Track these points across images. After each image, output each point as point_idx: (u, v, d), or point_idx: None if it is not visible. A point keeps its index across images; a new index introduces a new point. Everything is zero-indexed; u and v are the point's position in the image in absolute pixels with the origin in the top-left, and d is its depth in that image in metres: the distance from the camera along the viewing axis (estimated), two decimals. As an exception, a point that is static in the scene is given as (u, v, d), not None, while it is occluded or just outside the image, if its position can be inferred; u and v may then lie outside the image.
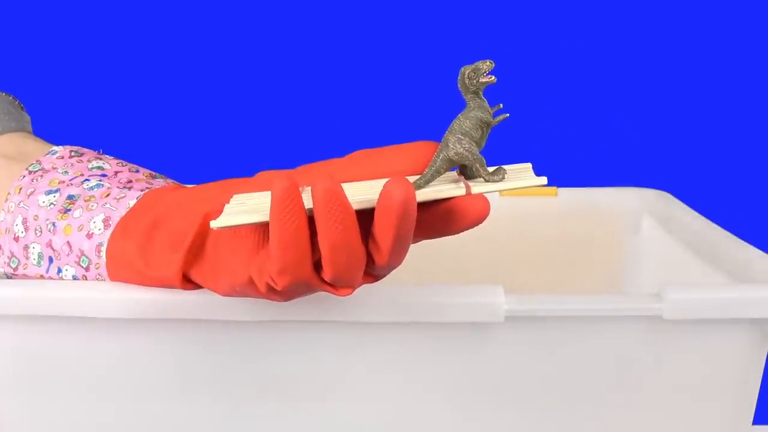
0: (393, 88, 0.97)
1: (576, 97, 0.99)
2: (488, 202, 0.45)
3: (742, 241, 0.64)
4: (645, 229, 0.81)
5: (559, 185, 0.83)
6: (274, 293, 0.46)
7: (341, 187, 0.42)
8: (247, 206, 0.48)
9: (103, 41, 0.98)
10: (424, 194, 0.44)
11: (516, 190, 0.51)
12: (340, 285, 0.45)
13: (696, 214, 0.73)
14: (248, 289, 0.47)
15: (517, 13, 0.98)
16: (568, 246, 0.82)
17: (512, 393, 0.55)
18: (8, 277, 0.58)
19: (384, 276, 0.47)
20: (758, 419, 0.58)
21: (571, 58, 0.98)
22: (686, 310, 0.53)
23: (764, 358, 0.55)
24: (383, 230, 0.42)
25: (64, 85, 0.98)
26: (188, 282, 0.52)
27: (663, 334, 0.54)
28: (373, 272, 0.45)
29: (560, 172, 0.89)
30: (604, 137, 0.99)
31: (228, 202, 0.50)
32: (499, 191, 0.47)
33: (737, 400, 0.56)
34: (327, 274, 0.44)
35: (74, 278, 0.56)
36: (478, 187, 0.45)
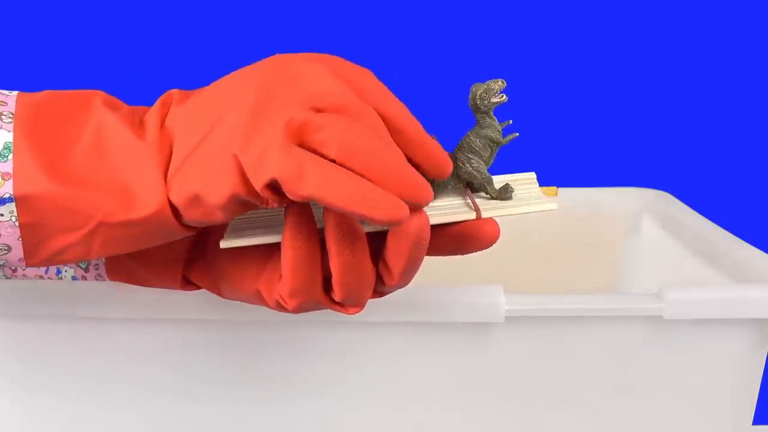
0: (402, 94, 0.97)
1: (576, 98, 0.99)
2: (498, 226, 0.45)
3: (742, 241, 0.64)
4: (645, 229, 0.81)
5: (560, 185, 0.83)
6: (283, 309, 0.46)
7: None
8: (252, 218, 0.48)
9: (104, 41, 0.98)
10: (436, 218, 0.44)
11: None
12: (349, 304, 0.45)
13: (696, 214, 0.73)
14: (255, 300, 0.47)
15: (519, 14, 0.98)
16: (568, 246, 0.82)
17: (513, 393, 0.55)
18: (8, 278, 0.58)
19: (390, 293, 0.47)
20: (758, 419, 0.58)
21: (571, 59, 0.98)
22: (686, 310, 0.53)
23: (764, 358, 0.55)
24: (395, 256, 0.42)
25: (65, 81, 0.98)
26: (188, 283, 0.52)
27: (663, 334, 0.54)
28: (380, 289, 0.46)
29: (560, 173, 0.89)
30: (605, 138, 0.99)
31: None
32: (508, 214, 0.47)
33: (737, 400, 0.56)
34: (337, 295, 0.44)
35: (74, 279, 0.56)
36: (488, 211, 0.45)
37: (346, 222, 0.42)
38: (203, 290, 0.52)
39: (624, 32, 0.98)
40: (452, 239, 0.45)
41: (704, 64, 0.98)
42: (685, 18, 0.98)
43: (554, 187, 0.83)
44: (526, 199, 0.47)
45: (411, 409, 0.55)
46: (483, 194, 0.47)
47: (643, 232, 0.81)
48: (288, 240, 0.43)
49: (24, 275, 0.57)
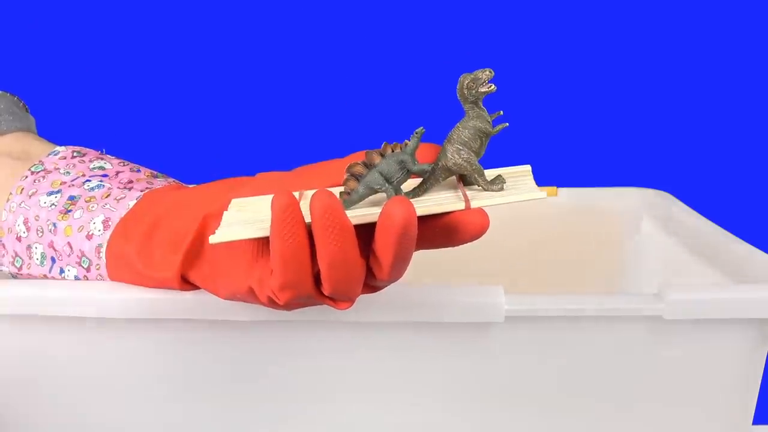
0: (393, 88, 0.97)
1: (576, 97, 0.99)
2: (487, 216, 0.44)
3: (742, 241, 0.64)
4: (645, 229, 0.81)
5: (559, 185, 0.83)
6: (275, 305, 0.46)
7: (340, 203, 0.42)
8: (245, 214, 0.48)
9: (104, 41, 0.98)
10: (424, 209, 0.44)
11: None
12: (340, 299, 0.45)
13: (696, 214, 0.73)
14: (249, 297, 0.47)
15: (518, 13, 0.98)
16: (568, 246, 0.82)
17: (512, 393, 0.55)
18: (13, 276, 0.58)
19: (383, 288, 0.47)
20: (758, 419, 0.58)
21: (570, 58, 0.98)
22: (686, 311, 0.53)
23: (764, 358, 0.55)
24: (384, 248, 0.42)
25: (66, 84, 0.98)
26: (186, 283, 0.52)
27: (663, 334, 0.54)
28: (372, 284, 0.45)
29: (560, 172, 0.89)
30: (604, 137, 0.99)
31: (227, 205, 0.50)
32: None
33: (737, 400, 0.56)
34: (326, 289, 0.44)
35: (76, 278, 0.56)
36: (477, 201, 0.45)
37: (333, 214, 0.41)
38: (202, 290, 0.52)
39: (624, 32, 0.98)
40: (441, 230, 0.45)
41: (704, 64, 0.98)
42: (685, 18, 0.98)
43: (554, 187, 0.83)
44: (518, 190, 0.47)
45: (410, 410, 0.55)
46: (476, 187, 0.47)
47: (643, 232, 0.81)
48: (276, 233, 0.42)
49: (29, 275, 0.57)
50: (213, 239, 0.45)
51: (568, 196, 0.83)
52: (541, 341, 0.54)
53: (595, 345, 0.54)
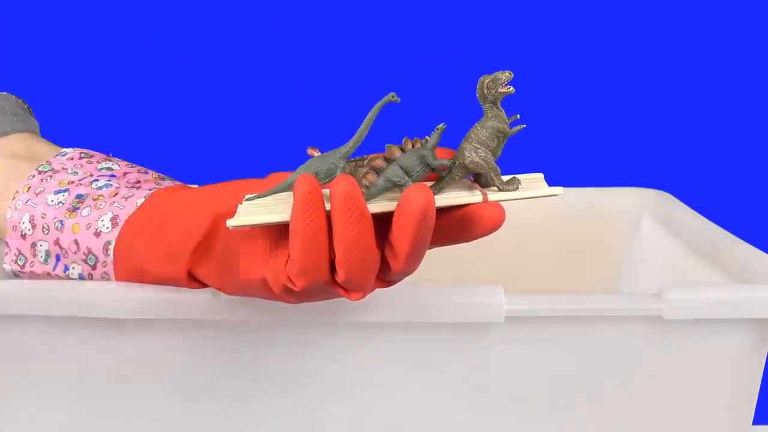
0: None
1: (576, 97, 0.99)
2: (503, 210, 0.45)
3: (742, 241, 0.64)
4: (645, 229, 0.81)
5: (560, 185, 0.83)
6: (289, 294, 0.46)
7: (359, 189, 0.42)
8: (260, 206, 0.48)
9: (107, 44, 0.98)
10: (442, 200, 0.45)
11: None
12: (352, 288, 0.45)
13: (696, 214, 0.73)
14: (260, 289, 0.47)
15: (518, 14, 0.98)
16: (568, 246, 0.83)
17: (512, 393, 0.55)
18: (15, 274, 0.58)
19: (397, 282, 0.47)
20: (758, 419, 0.58)
21: (571, 59, 0.98)
22: (686, 310, 0.53)
23: (764, 358, 0.55)
24: (401, 236, 0.42)
25: (69, 87, 0.98)
26: (194, 281, 0.52)
27: (663, 334, 0.54)
28: (387, 277, 0.46)
29: (560, 172, 0.89)
30: (605, 138, 0.99)
31: (239, 203, 0.50)
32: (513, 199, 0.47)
33: (737, 400, 0.56)
34: (340, 276, 0.44)
35: (80, 277, 0.56)
36: (493, 195, 0.46)
37: (353, 200, 0.42)
38: (204, 290, 0.52)
39: (624, 32, 0.98)
40: (457, 224, 0.45)
41: (704, 64, 0.98)
42: (685, 18, 0.98)
43: (558, 187, 0.83)
44: (532, 189, 0.47)
45: (410, 410, 0.56)
46: (491, 187, 0.48)
47: (643, 232, 0.81)
48: (297, 217, 0.43)
49: (32, 272, 0.57)
50: (231, 223, 0.45)
51: (568, 196, 0.83)
52: (541, 341, 0.54)
53: (595, 345, 0.54)
